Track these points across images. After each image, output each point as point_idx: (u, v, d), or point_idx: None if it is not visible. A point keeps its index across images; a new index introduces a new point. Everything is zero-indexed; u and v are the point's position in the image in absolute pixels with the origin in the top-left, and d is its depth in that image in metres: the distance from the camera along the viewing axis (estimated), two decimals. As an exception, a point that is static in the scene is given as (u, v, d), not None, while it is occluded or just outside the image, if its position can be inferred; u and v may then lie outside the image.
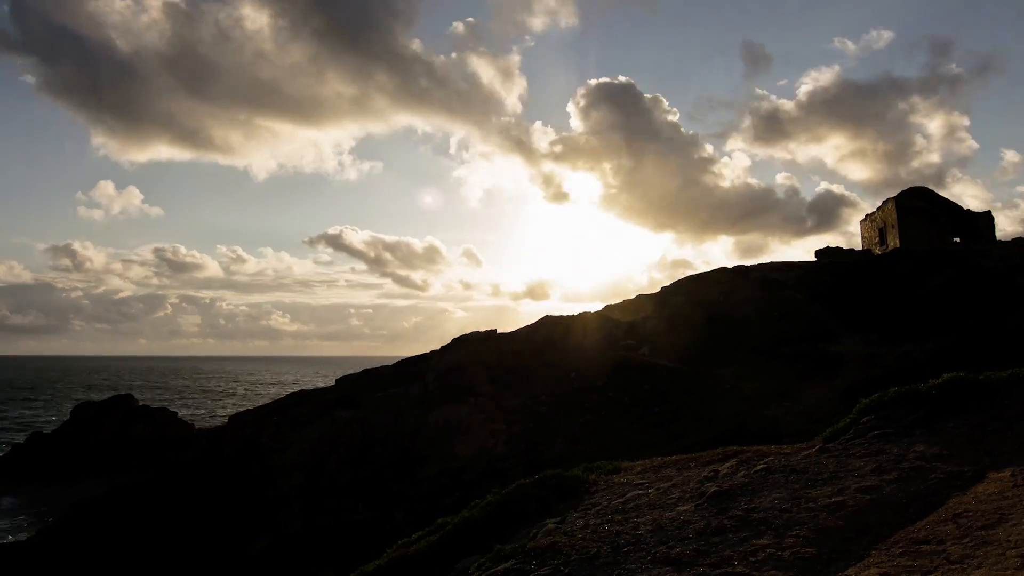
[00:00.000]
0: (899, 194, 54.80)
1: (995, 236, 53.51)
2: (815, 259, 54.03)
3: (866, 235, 59.54)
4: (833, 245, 56.70)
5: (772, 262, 51.49)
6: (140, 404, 64.05)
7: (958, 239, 52.36)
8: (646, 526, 7.45)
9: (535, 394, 29.83)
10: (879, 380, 15.55)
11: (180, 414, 69.45)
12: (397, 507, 20.38)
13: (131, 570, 25.80)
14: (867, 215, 59.79)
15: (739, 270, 49.41)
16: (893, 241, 53.23)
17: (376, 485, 24.03)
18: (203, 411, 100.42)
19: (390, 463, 25.78)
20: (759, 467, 8.68)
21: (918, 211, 52.79)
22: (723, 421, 21.17)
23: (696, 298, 43.39)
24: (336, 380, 43.00)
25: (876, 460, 8.17)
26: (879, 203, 57.97)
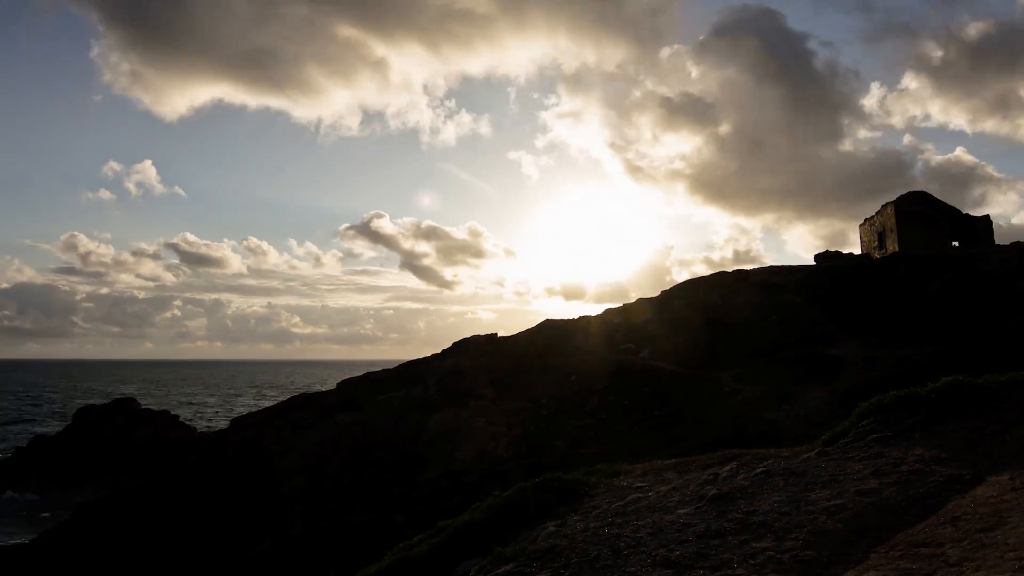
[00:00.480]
0: (898, 198, 54.99)
1: (994, 240, 53.66)
2: (814, 263, 54.18)
3: (865, 239, 59.68)
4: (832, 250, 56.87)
5: (772, 266, 51.63)
6: (143, 407, 64.37)
7: (957, 243, 52.52)
8: (646, 529, 7.48)
9: (535, 397, 29.87)
10: (878, 384, 15.59)
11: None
12: (398, 510, 20.45)
13: (134, 573, 25.86)
14: (866, 219, 59.97)
15: (739, 274, 49.50)
16: (892, 245, 53.35)
17: (377, 488, 24.11)
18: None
19: (391, 466, 25.86)
20: (759, 470, 8.72)
21: (917, 215, 52.93)
22: (723, 424, 21.19)
23: (696, 301, 43.48)
24: (337, 384, 43.11)
25: (875, 463, 8.21)
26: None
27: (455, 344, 41.50)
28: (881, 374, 20.30)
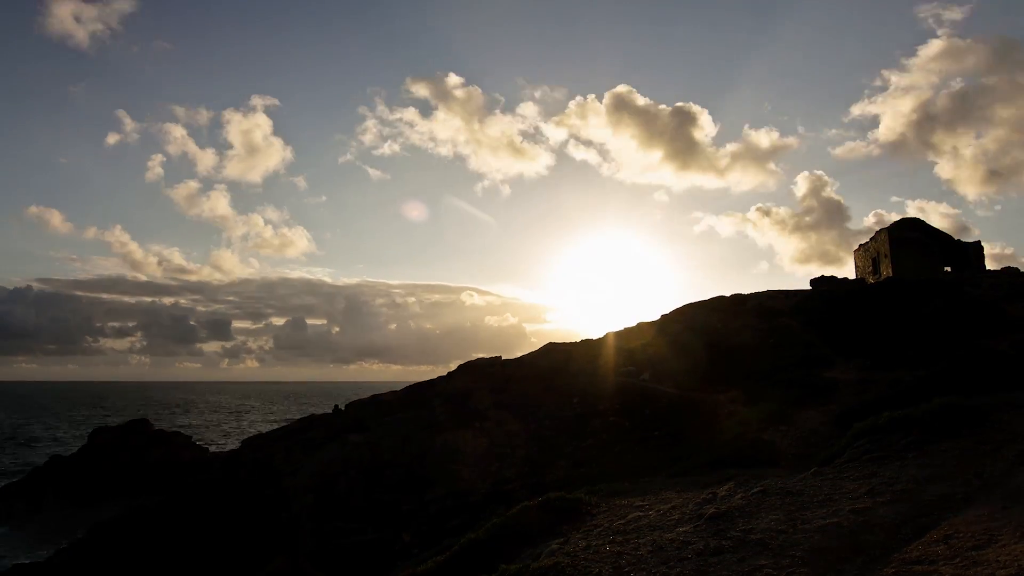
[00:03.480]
0: (892, 224, 55.59)
1: (984, 265, 54.18)
2: (810, 288, 54.52)
3: (860, 264, 60.15)
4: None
5: (769, 290, 52.05)
6: (156, 429, 64.51)
7: (949, 268, 53.00)
8: (646, 547, 7.66)
9: (539, 418, 29.92)
10: (872, 405, 15.78)
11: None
12: (405, 528, 20.49)
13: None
14: (861, 245, 60.51)
15: (736, 298, 49.85)
16: (886, 270, 53.79)
17: (385, 507, 24.13)
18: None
19: (398, 486, 25.90)
20: (756, 489, 8.92)
21: (911, 241, 53.47)
22: (721, 445, 21.24)
23: (695, 325, 43.63)
24: (345, 405, 43.30)
25: (870, 483, 8.41)
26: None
27: (460, 367, 41.93)
28: (875, 396, 20.38)
